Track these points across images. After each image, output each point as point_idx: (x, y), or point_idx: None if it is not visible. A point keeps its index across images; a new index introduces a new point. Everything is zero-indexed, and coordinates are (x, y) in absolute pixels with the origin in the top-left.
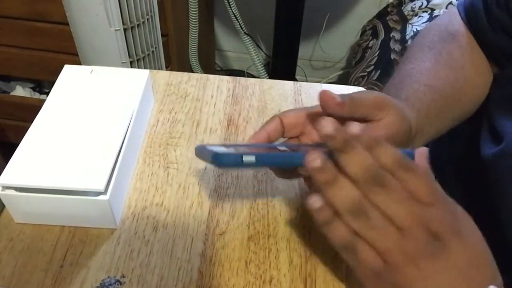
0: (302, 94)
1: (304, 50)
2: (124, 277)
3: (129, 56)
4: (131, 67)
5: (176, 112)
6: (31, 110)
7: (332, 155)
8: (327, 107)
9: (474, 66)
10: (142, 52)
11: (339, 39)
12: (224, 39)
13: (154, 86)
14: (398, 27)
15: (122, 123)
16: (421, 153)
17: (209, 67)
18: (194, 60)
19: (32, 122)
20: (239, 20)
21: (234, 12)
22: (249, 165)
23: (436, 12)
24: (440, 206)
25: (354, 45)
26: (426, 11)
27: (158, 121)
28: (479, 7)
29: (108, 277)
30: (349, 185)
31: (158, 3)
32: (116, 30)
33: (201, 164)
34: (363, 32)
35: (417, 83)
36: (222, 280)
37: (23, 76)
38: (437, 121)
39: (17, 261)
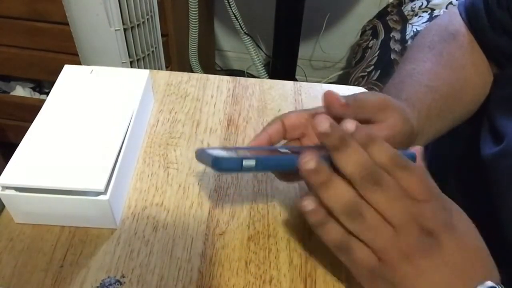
0: (302, 94)
1: (304, 50)
2: (124, 277)
3: (129, 56)
4: (131, 67)
5: (176, 112)
6: (31, 110)
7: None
8: (331, 108)
9: (475, 66)
10: (142, 52)
11: (339, 39)
12: (224, 39)
13: (154, 86)
14: (398, 27)
15: (122, 123)
16: (416, 152)
17: (209, 67)
18: (194, 60)
19: (32, 122)
20: (239, 20)
21: (234, 12)
22: (249, 169)
23: (436, 12)
24: (434, 203)
25: (354, 45)
26: (426, 11)
27: (158, 121)
28: (480, 7)
29: (108, 277)
30: (344, 186)
31: (158, 3)
32: (116, 30)
33: (201, 164)
34: (363, 32)
35: (418, 83)
36: (222, 280)
37: (23, 76)
38: (437, 121)
39: (17, 261)
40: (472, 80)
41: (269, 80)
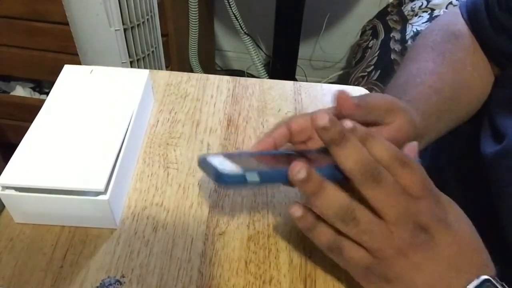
0: (302, 94)
1: (304, 50)
2: (124, 277)
3: (129, 56)
4: (131, 67)
5: (176, 112)
6: (31, 110)
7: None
8: (344, 109)
9: (476, 67)
10: (142, 52)
11: (339, 39)
12: (224, 39)
13: (154, 86)
14: (398, 27)
15: (122, 123)
16: (411, 148)
17: (209, 67)
18: (194, 60)
19: (32, 122)
20: (239, 20)
21: (234, 12)
22: (253, 184)
23: (436, 12)
24: (429, 199)
25: (354, 45)
26: (426, 11)
27: (158, 121)
28: (481, 8)
29: (108, 277)
30: (336, 193)
31: (158, 3)
32: (116, 30)
33: None
34: (363, 32)
35: (421, 84)
36: (222, 280)
37: (23, 76)
38: (439, 122)
39: (17, 261)
40: (473, 80)
41: (269, 80)
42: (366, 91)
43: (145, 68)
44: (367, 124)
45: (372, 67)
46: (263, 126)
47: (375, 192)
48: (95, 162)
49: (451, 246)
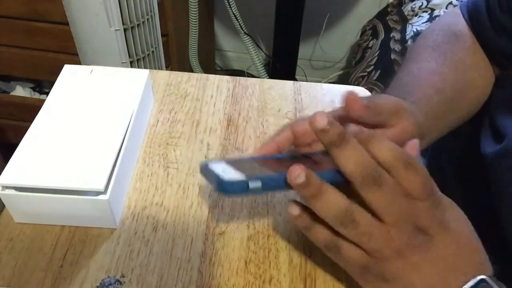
0: (302, 94)
1: (304, 50)
2: (124, 276)
3: (129, 56)
4: (131, 67)
5: (176, 112)
6: (31, 110)
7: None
8: (352, 110)
9: (477, 67)
10: (142, 52)
11: (339, 39)
12: (224, 39)
13: (154, 86)
14: (398, 27)
15: (122, 123)
16: (412, 146)
17: (209, 67)
18: (194, 60)
19: (32, 122)
20: (239, 20)
21: (234, 12)
22: (255, 191)
23: (436, 12)
24: (429, 201)
25: (354, 45)
26: (426, 11)
27: (158, 121)
28: (482, 9)
29: (108, 277)
30: (335, 196)
31: (158, 3)
32: (116, 30)
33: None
34: (363, 32)
35: (424, 85)
36: (222, 280)
37: (23, 76)
38: (441, 123)
39: (17, 261)
40: (475, 81)
41: (269, 80)
42: (367, 91)
43: (145, 68)
44: (372, 126)
45: (372, 67)
46: (263, 126)
47: (375, 195)
48: (95, 162)
49: (449, 247)
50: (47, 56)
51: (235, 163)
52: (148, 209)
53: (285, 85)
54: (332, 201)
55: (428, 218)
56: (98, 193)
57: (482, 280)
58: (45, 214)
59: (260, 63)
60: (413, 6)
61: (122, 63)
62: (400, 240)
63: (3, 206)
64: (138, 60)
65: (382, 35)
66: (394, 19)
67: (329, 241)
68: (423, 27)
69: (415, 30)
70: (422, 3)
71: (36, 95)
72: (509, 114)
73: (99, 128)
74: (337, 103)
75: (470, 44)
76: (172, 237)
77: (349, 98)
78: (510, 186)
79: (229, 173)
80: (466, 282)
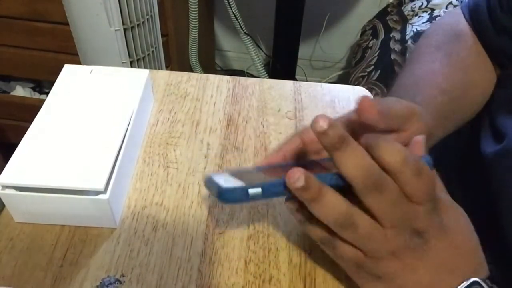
0: (302, 93)
1: (304, 50)
2: (124, 276)
3: (129, 56)
4: (131, 67)
5: (176, 112)
6: (31, 110)
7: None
8: (366, 117)
9: (480, 67)
10: (142, 52)
11: (339, 39)
12: (224, 39)
13: (154, 86)
14: (398, 27)
15: (121, 123)
16: (418, 142)
17: (209, 67)
18: (194, 60)
19: (32, 122)
20: (239, 20)
21: (234, 12)
22: (256, 197)
23: (436, 12)
24: (428, 205)
25: (354, 45)
26: (426, 11)
27: (158, 121)
28: (483, 10)
29: (108, 276)
30: (334, 200)
31: (158, 3)
32: (116, 30)
33: (201, 163)
34: (363, 32)
35: (429, 86)
36: (221, 279)
37: (23, 76)
38: (445, 123)
39: (17, 260)
40: (477, 81)
41: (269, 79)
42: (367, 91)
43: (145, 68)
44: (385, 131)
45: (372, 67)
46: (263, 126)
47: (375, 200)
48: (95, 161)
49: (446, 250)
50: (47, 56)
51: (238, 174)
52: (148, 208)
53: (285, 85)
54: (331, 205)
55: (425, 221)
56: (98, 192)
57: (475, 282)
58: (45, 213)
59: (260, 63)
60: (413, 6)
61: (122, 63)
62: (397, 242)
63: (3, 205)
64: (138, 60)
65: (382, 35)
66: (394, 19)
67: (324, 236)
68: (423, 27)
69: (415, 30)
70: (422, 3)
71: (36, 95)
72: (510, 114)
73: (99, 127)
74: (337, 103)
75: (472, 44)
76: (172, 237)
77: (363, 104)
78: (510, 186)
79: (229, 182)
80: (460, 284)
